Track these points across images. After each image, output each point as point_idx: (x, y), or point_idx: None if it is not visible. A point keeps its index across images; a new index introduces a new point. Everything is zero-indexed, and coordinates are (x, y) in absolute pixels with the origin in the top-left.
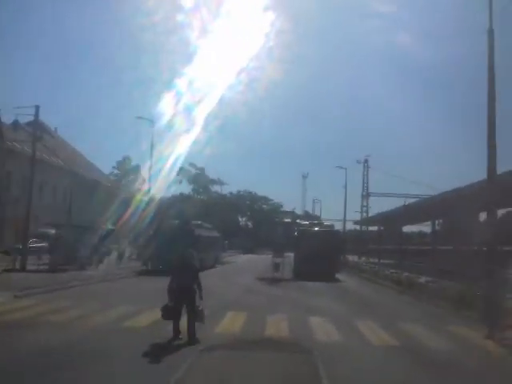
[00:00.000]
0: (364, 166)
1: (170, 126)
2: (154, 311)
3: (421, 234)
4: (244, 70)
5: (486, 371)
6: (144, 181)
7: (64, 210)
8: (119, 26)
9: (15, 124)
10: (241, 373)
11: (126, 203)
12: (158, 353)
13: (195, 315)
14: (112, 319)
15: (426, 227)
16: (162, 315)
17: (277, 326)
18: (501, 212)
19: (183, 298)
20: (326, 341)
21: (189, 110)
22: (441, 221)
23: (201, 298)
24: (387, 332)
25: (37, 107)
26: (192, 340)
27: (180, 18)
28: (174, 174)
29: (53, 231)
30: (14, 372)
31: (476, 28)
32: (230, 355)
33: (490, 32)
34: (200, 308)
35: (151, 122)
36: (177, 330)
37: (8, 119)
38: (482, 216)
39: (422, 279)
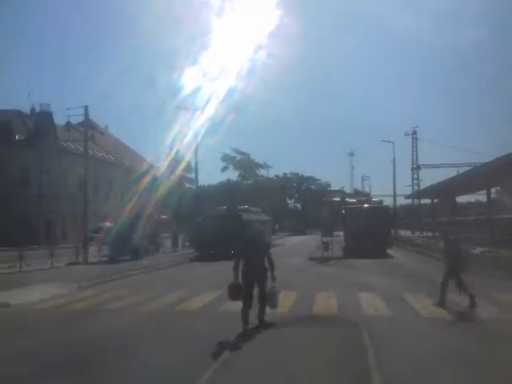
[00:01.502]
0: (412, 137)
1: (209, 114)
2: (207, 294)
3: (477, 204)
4: (276, 45)
5: None
6: (191, 170)
7: (119, 203)
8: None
9: (68, 125)
10: (288, 348)
11: (176, 193)
12: (209, 332)
13: (267, 299)
14: (167, 304)
15: (481, 196)
16: (230, 294)
17: (325, 303)
18: None
19: (254, 280)
20: (373, 315)
21: (227, 96)
22: (498, 188)
23: (273, 278)
24: (437, 304)
25: (86, 107)
26: (262, 325)
27: None
28: (220, 161)
29: (110, 224)
30: (80, 354)
31: None
32: (278, 333)
33: None
34: (274, 290)
35: (192, 110)
36: (247, 318)
37: (60, 120)
38: None
39: (477, 250)
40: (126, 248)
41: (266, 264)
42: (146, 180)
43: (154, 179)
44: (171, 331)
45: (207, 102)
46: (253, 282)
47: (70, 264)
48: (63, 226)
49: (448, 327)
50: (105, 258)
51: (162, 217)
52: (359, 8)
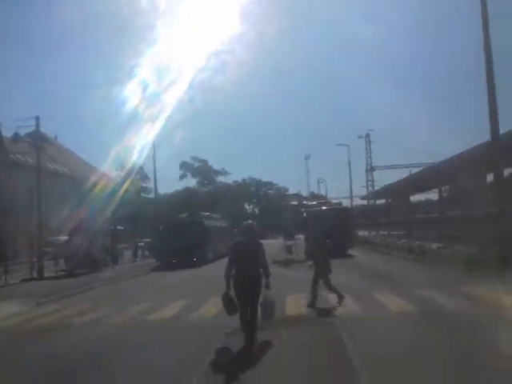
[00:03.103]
0: (366, 140)
1: (166, 122)
2: (175, 303)
3: (429, 203)
4: (230, 52)
5: (500, 327)
6: (148, 179)
7: (72, 215)
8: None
9: (16, 136)
10: (269, 350)
11: (133, 202)
12: (184, 341)
13: (262, 310)
14: (135, 315)
15: (433, 195)
16: (226, 309)
17: (296, 304)
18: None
19: (248, 289)
20: (345, 313)
21: (190, 100)
22: (447, 187)
23: (268, 286)
24: (405, 299)
25: (37, 118)
26: (250, 343)
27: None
28: (178, 169)
29: (64, 237)
30: (43, 372)
31: None
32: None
33: None
34: (269, 298)
35: (148, 119)
36: (245, 326)
37: (7, 132)
38: (489, 178)
39: (434, 246)
40: (84, 261)
41: (260, 270)
42: (101, 191)
43: (109, 189)
44: (145, 343)
45: (162, 111)
46: (247, 291)
47: (25, 280)
48: (14, 241)
49: (418, 322)
50: (62, 273)
51: (119, 227)
52: (318, 11)
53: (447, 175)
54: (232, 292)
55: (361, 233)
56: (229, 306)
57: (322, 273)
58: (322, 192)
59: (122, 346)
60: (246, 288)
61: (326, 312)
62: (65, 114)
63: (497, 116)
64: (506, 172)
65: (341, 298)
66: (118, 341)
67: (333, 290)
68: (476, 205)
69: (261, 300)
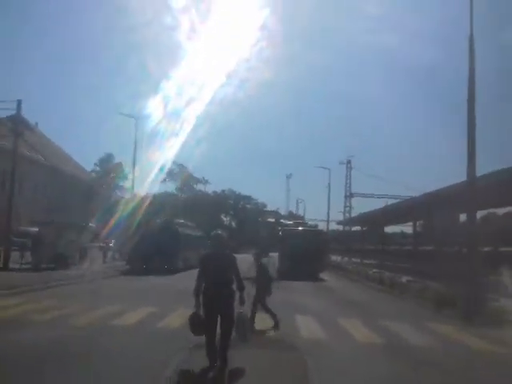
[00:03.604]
0: (347, 166)
1: (155, 125)
2: (142, 309)
3: (403, 235)
4: (228, 70)
5: (464, 366)
6: (127, 178)
7: (45, 207)
8: (107, 24)
9: None
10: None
11: (109, 201)
12: (141, 352)
13: (238, 329)
14: (99, 318)
15: (407, 228)
16: (192, 329)
17: (262, 324)
18: (481, 214)
19: (219, 306)
20: (311, 338)
21: (175, 110)
22: (422, 222)
23: (242, 302)
24: (371, 330)
25: (19, 102)
26: (223, 364)
27: (169, 18)
28: (158, 172)
29: (35, 229)
30: None
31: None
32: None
33: (471, 38)
34: (243, 315)
35: (134, 118)
36: (214, 354)
37: None
38: (462, 218)
39: (404, 279)
40: (52, 256)
41: (233, 284)
42: (75, 183)
43: (87, 185)
44: (101, 348)
45: (150, 112)
46: (218, 308)
47: None
48: None
49: (382, 353)
50: (27, 266)
51: (90, 225)
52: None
53: (422, 210)
54: (201, 311)
55: (334, 257)
56: (196, 326)
57: (261, 294)
58: (301, 212)
59: (75, 349)
60: (216, 306)
61: (291, 334)
62: (49, 103)
63: (474, 158)
64: (482, 213)
65: (276, 322)
66: (74, 343)
67: (270, 312)
68: (448, 242)
69: (235, 318)
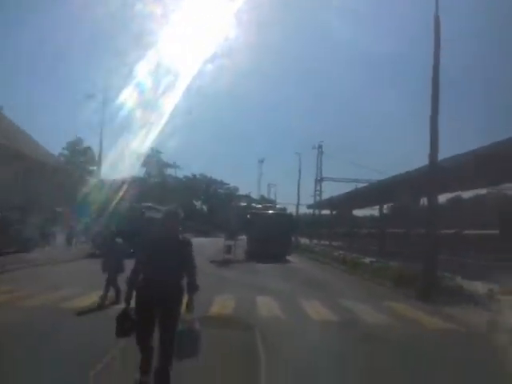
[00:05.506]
0: (318, 151)
1: (127, 112)
2: (96, 294)
3: (372, 218)
4: (203, 57)
5: (415, 343)
6: (95, 163)
7: (8, 191)
8: (78, 12)
9: None
10: None
11: (76, 185)
12: (91, 335)
13: (179, 344)
14: (52, 301)
15: (375, 211)
16: (117, 331)
17: (222, 304)
18: (443, 197)
19: (159, 305)
20: (268, 317)
21: (148, 97)
22: (389, 205)
23: (190, 307)
24: (328, 308)
25: None
26: (163, 380)
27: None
28: (128, 157)
29: None
30: None
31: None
32: None
33: (437, 19)
34: (193, 328)
35: (101, 100)
36: (147, 364)
37: None
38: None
39: (367, 260)
40: (13, 239)
41: (183, 281)
42: (41, 167)
43: (52, 168)
44: (51, 330)
45: (119, 95)
46: (155, 308)
47: None
48: None
49: (336, 331)
50: None
51: (57, 209)
52: (306, 20)
53: (387, 194)
54: (132, 307)
55: (303, 240)
56: (121, 324)
57: (112, 272)
58: (272, 197)
59: (18, 331)
60: (155, 304)
61: (250, 314)
62: (15, 87)
63: (437, 142)
64: (445, 196)
65: (118, 295)
66: (19, 326)
67: (116, 288)
68: (412, 224)
69: (179, 327)
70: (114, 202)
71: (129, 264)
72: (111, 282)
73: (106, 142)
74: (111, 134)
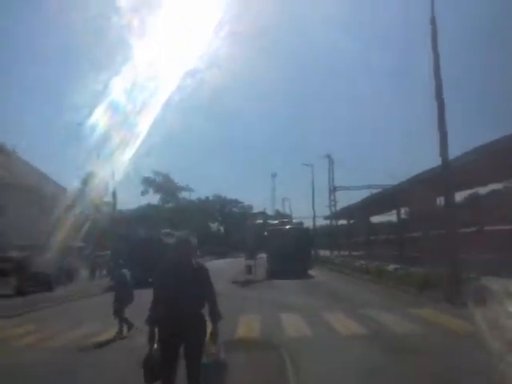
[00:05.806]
0: (329, 161)
1: (128, 135)
2: (114, 328)
3: (389, 224)
4: (197, 70)
5: (449, 350)
6: (108, 194)
7: (25, 230)
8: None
9: None
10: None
11: (93, 218)
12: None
13: (205, 372)
14: (72, 340)
15: (392, 216)
16: (145, 377)
17: (248, 325)
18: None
19: (180, 340)
20: (295, 336)
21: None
22: (406, 209)
23: (215, 335)
24: (356, 321)
25: None
26: None
27: (115, 17)
28: (140, 184)
29: (16, 253)
30: None
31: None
32: None
33: (433, 21)
34: (221, 357)
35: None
36: None
37: None
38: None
39: (390, 267)
40: (36, 278)
41: (204, 310)
42: (59, 205)
43: (68, 204)
44: (82, 366)
45: (125, 123)
46: (177, 343)
47: None
48: None
49: (367, 345)
50: (9, 291)
51: (79, 245)
52: (294, 31)
53: (402, 197)
54: (156, 347)
55: (323, 252)
56: (150, 370)
57: (120, 302)
58: (287, 211)
59: (47, 372)
60: (177, 338)
61: (276, 334)
62: (26, 126)
63: (446, 141)
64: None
65: (121, 328)
66: (47, 367)
67: (120, 319)
68: (433, 226)
69: (204, 360)
70: (130, 232)
71: (139, 294)
72: (117, 313)
73: (108, 168)
74: (111, 160)
